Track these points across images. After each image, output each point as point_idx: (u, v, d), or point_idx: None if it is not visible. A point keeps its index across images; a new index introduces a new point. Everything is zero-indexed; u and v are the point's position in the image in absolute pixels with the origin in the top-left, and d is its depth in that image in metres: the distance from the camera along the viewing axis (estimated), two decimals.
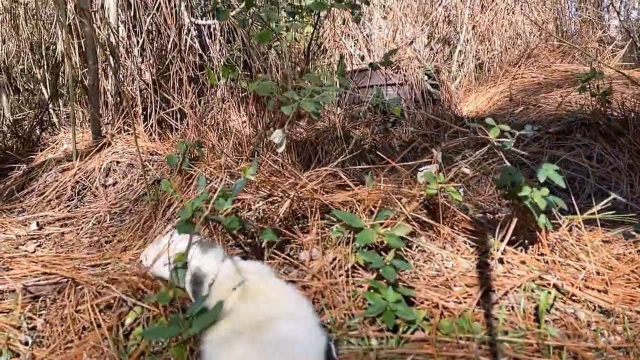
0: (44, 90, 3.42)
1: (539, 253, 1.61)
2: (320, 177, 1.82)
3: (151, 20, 2.85)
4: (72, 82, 2.45)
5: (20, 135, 3.13)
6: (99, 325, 1.30)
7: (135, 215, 2.07)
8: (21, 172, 2.52)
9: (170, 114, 2.78)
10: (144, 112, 2.81)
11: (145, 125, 2.77)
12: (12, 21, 3.91)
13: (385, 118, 2.94)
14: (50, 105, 3.27)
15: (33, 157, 2.76)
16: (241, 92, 2.74)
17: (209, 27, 3.02)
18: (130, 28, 2.87)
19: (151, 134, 2.73)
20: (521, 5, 4.69)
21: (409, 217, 1.63)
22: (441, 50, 4.66)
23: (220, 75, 2.16)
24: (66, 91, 3.37)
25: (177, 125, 2.85)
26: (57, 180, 2.38)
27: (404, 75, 3.08)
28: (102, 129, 2.79)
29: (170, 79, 2.87)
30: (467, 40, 4.80)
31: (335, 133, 2.61)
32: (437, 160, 1.73)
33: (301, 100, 1.58)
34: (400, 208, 1.63)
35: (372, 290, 1.42)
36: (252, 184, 1.78)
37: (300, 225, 1.78)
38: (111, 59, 2.88)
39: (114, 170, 2.46)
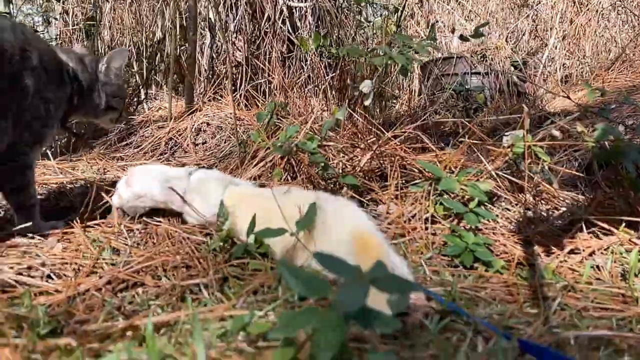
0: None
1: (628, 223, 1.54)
2: (403, 136, 1.84)
3: (247, 1, 3.01)
4: (173, 51, 2.65)
5: None
6: (188, 238, 1.40)
7: (222, 168, 2.19)
8: (120, 128, 2.74)
9: (257, 87, 2.92)
10: (234, 85, 2.97)
11: (234, 96, 2.91)
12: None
13: (468, 105, 2.92)
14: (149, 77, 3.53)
15: (132, 118, 2.99)
16: (327, 65, 2.82)
17: (301, 9, 3.14)
18: (228, 7, 3.05)
19: (239, 104, 2.88)
20: (617, 10, 4.49)
21: (493, 174, 1.62)
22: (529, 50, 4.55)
23: (312, 42, 2.26)
24: (165, 64, 3.61)
25: (262, 100, 2.98)
26: (153, 136, 2.56)
27: (490, 65, 3.05)
28: (194, 98, 2.98)
29: (260, 55, 3.02)
30: (555, 46, 4.66)
31: (415, 117, 2.63)
32: (525, 125, 1.71)
33: (392, 53, 1.62)
34: (485, 166, 1.63)
35: (451, 233, 1.43)
36: (337, 136, 1.83)
37: (379, 184, 1.81)
38: (208, 34, 3.08)
39: (204, 130, 2.61)
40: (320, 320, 0.58)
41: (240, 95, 2.91)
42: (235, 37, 2.99)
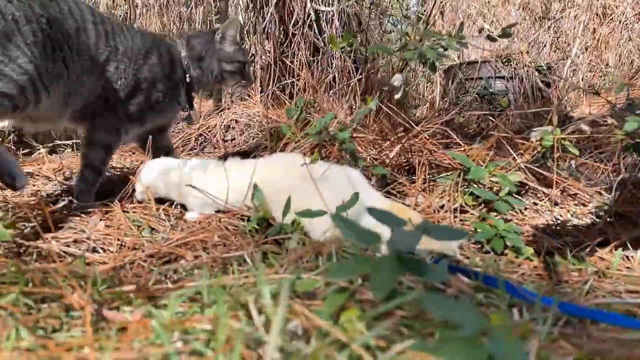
0: None
1: None
2: (431, 130, 1.88)
3: (276, 4, 3.08)
4: None
5: None
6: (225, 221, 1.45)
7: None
8: None
9: (284, 88, 2.99)
10: (261, 85, 3.04)
11: (262, 95, 2.99)
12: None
13: (492, 108, 2.95)
14: None
15: None
16: (353, 68, 2.88)
17: (327, 13, 3.21)
18: (257, 10, 3.13)
19: (265, 104, 2.94)
20: None
21: (522, 167, 1.65)
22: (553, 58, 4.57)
23: (341, 40, 2.32)
24: None
25: (288, 100, 3.04)
26: (183, 132, 2.64)
27: (514, 69, 3.08)
28: (222, 98, 3.06)
29: (287, 57, 3.08)
30: (578, 56, 4.66)
31: (440, 118, 2.66)
32: (553, 120, 1.74)
33: (423, 48, 1.67)
34: (513, 158, 1.66)
35: (481, 221, 1.45)
36: (366, 130, 1.88)
37: (406, 177, 1.85)
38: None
39: (232, 127, 2.68)
40: (373, 265, 0.62)
41: (268, 95, 2.97)
42: (264, 39, 3.07)
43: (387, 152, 1.82)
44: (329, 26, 3.18)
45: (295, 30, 3.04)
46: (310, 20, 3.14)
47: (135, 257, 1.19)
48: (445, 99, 3.00)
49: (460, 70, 3.17)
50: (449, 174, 1.76)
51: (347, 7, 3.18)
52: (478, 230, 1.40)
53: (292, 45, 3.12)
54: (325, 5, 3.16)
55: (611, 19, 4.72)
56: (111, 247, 1.30)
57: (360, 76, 2.70)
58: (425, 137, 1.80)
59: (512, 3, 5.08)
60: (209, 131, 2.65)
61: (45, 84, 1.41)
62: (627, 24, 4.56)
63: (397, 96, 1.77)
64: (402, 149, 1.78)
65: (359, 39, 3.05)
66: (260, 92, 2.99)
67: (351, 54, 2.71)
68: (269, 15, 3.07)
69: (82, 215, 1.50)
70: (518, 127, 2.86)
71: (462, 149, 1.86)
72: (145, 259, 1.19)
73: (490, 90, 2.99)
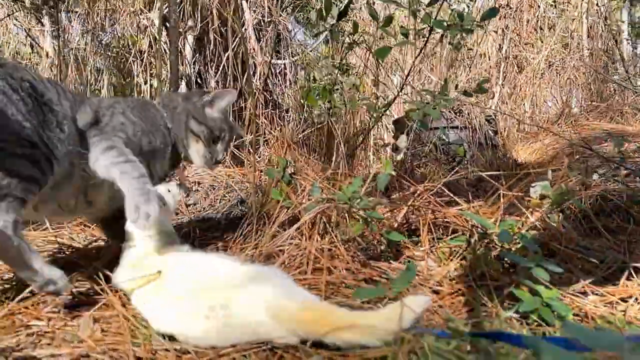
0: None
1: None
2: (429, 191, 1.82)
3: (226, 58, 2.96)
4: None
5: None
6: None
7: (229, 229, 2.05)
8: None
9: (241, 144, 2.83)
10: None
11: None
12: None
13: (450, 158, 3.00)
14: None
15: None
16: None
17: (278, 65, 3.14)
18: (206, 64, 2.98)
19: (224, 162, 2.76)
20: (557, 70, 4.92)
21: (537, 225, 1.63)
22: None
23: (320, 97, 2.23)
24: None
25: (242, 156, 2.88)
26: None
27: (467, 119, 3.18)
28: None
29: (242, 111, 2.95)
30: (499, 103, 4.97)
31: (404, 167, 2.64)
32: (549, 178, 1.76)
33: (426, 107, 1.63)
34: (526, 216, 1.63)
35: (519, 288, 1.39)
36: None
37: (410, 240, 1.77)
38: (185, 88, 2.97)
39: (195, 190, 2.46)
40: None
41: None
42: None
43: (395, 214, 1.72)
44: (281, 79, 3.10)
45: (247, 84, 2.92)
46: (263, 74, 3.05)
47: None
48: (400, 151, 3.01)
49: (413, 121, 3.20)
50: (456, 235, 1.71)
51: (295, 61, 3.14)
52: (521, 298, 1.33)
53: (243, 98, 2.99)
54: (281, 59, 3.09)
55: (525, 70, 5.11)
56: None
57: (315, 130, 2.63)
58: (429, 196, 1.74)
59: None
60: None
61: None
62: (542, 74, 4.97)
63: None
64: (408, 210, 1.70)
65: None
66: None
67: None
68: (221, 68, 2.93)
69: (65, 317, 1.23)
70: (477, 176, 2.91)
71: (462, 207, 1.82)
72: None
73: (447, 140, 3.06)
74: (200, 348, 1.06)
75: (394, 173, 1.49)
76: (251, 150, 2.04)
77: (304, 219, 1.62)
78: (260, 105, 2.87)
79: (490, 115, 3.32)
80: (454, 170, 2.18)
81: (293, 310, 1.04)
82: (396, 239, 1.55)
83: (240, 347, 1.05)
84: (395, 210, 1.73)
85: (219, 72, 2.92)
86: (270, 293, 1.08)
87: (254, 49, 2.96)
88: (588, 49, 5.01)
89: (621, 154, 1.89)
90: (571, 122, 4.31)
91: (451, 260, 1.65)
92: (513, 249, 1.56)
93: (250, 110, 2.63)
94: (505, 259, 1.56)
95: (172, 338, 1.11)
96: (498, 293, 1.42)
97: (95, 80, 4.60)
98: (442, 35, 1.92)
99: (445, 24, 1.81)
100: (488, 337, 0.95)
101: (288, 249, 1.66)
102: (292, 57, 2.98)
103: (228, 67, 2.92)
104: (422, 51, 1.99)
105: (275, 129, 2.82)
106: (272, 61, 2.99)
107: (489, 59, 5.25)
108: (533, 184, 1.78)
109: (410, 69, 2.32)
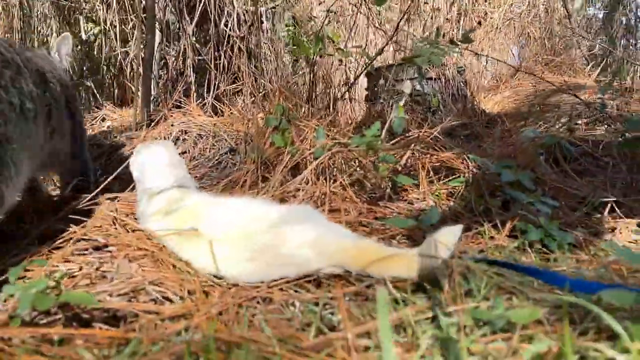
0: None
1: None
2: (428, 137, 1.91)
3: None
4: (140, 53, 2.42)
5: None
6: None
7: (221, 176, 2.06)
8: None
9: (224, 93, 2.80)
10: (197, 91, 2.80)
11: (198, 102, 2.76)
12: None
13: (425, 108, 3.10)
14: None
15: None
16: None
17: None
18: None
19: (206, 111, 2.73)
20: (513, 23, 5.09)
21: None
22: None
23: (314, 46, 2.22)
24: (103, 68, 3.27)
25: (221, 107, 2.85)
26: (127, 146, 2.32)
27: (440, 70, 3.27)
28: (151, 105, 2.75)
29: (221, 59, 2.89)
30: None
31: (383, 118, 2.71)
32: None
33: (433, 54, 1.69)
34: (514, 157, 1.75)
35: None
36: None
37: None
38: (158, 34, 2.86)
39: (183, 139, 2.43)
40: None
41: (206, 103, 2.75)
42: (195, 40, 2.83)
43: (398, 159, 1.80)
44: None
45: (229, 32, 2.86)
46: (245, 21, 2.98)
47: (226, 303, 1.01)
48: (377, 101, 3.08)
49: (388, 72, 3.26)
50: (454, 177, 1.81)
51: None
52: (526, 230, 1.45)
53: (224, 48, 2.93)
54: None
55: (487, 22, 5.23)
56: (174, 294, 1.09)
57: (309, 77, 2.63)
58: (430, 141, 1.82)
59: None
60: None
61: None
62: (500, 28, 5.12)
63: (401, 103, 1.76)
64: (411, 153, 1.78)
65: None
66: (199, 99, 2.76)
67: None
68: (198, 14, 2.84)
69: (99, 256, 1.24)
70: (450, 124, 3.04)
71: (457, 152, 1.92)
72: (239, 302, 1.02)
73: (421, 91, 3.14)
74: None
75: (406, 117, 1.55)
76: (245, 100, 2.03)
77: (315, 163, 1.66)
78: (240, 54, 2.83)
79: (462, 67, 3.43)
80: (448, 119, 2.28)
81: (341, 245, 1.10)
82: (405, 182, 1.63)
83: (288, 278, 1.11)
84: (397, 155, 1.81)
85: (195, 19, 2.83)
86: (313, 230, 1.14)
87: None
88: (543, 5, 5.20)
89: (602, 101, 2.04)
90: (527, 75, 4.52)
91: (449, 200, 1.77)
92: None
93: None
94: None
95: (217, 276, 1.15)
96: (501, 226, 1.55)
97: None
98: None
99: None
100: (520, 270, 1.04)
101: (300, 193, 1.71)
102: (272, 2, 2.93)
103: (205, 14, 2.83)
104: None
105: (256, 78, 2.80)
106: (251, 8, 2.92)
107: (447, 13, 5.34)
108: (522, 130, 1.91)
109: (400, 19, 2.36)
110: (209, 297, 1.07)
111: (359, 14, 2.82)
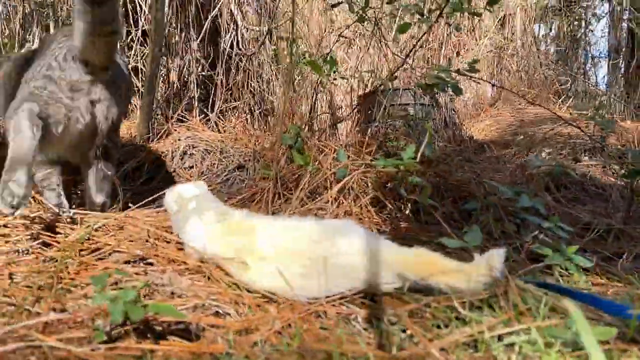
0: None
1: None
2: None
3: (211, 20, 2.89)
4: (151, 64, 2.41)
5: None
6: None
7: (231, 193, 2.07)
8: None
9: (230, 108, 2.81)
10: (200, 105, 2.81)
11: (201, 118, 2.76)
12: None
13: (418, 134, 3.19)
14: None
15: None
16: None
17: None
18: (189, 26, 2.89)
19: (212, 127, 2.73)
20: (498, 54, 5.32)
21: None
22: None
23: (328, 68, 2.28)
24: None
25: (224, 123, 2.86)
26: (134, 159, 2.29)
27: (432, 97, 3.38)
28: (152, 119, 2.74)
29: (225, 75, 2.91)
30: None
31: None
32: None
33: (449, 80, 1.77)
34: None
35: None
36: None
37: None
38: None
39: (190, 154, 2.42)
40: None
41: (210, 118, 2.76)
42: (200, 55, 2.84)
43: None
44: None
45: (235, 49, 2.88)
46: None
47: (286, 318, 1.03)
48: (369, 125, 3.17)
49: (382, 96, 3.36)
50: (466, 200, 1.88)
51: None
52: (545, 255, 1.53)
53: (224, 65, 2.95)
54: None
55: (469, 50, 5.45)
56: (231, 309, 1.09)
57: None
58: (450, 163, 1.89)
59: None
60: (162, 159, 2.35)
61: None
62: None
63: (429, 124, 1.82)
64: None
65: None
66: (201, 114, 2.76)
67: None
68: (204, 30, 2.86)
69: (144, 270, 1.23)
70: (443, 149, 3.15)
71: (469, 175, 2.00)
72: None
73: (415, 116, 3.24)
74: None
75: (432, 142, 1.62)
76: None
77: (342, 183, 1.70)
78: (244, 72, 2.86)
79: (452, 95, 3.56)
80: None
81: (401, 253, 1.14)
82: (426, 202, 1.68)
83: (342, 295, 1.13)
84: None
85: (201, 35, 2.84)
86: (366, 240, 1.17)
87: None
88: (520, 40, 5.47)
89: (602, 135, 2.17)
90: (506, 105, 4.74)
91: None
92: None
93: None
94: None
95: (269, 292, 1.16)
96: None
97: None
98: (439, 15, 2.05)
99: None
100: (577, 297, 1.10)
101: (322, 212, 1.74)
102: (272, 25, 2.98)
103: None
104: (430, 30, 2.12)
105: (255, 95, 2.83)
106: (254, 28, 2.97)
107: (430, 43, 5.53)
108: (526, 159, 2.01)
109: (416, 43, 2.45)
110: (266, 312, 1.08)
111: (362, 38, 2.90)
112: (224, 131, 2.69)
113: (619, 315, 0.96)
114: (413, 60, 3.54)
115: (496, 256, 1.15)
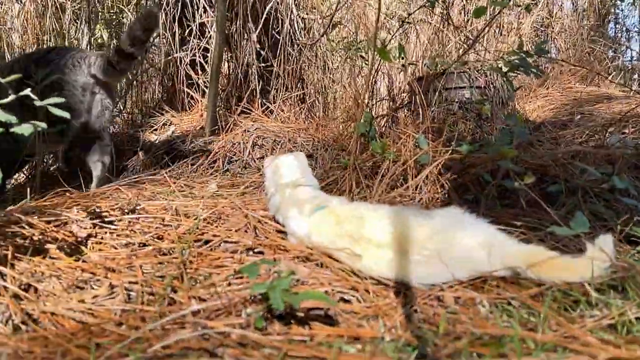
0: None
1: None
2: None
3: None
4: (216, 59, 2.45)
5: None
6: None
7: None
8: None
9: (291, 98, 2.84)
10: (261, 94, 2.85)
11: (264, 109, 2.80)
12: None
13: (476, 116, 3.17)
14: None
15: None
16: None
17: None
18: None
19: (276, 116, 2.77)
20: (541, 31, 5.20)
21: None
22: None
23: (398, 53, 2.29)
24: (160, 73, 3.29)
25: (286, 113, 2.90)
26: (206, 151, 2.35)
27: (489, 79, 3.34)
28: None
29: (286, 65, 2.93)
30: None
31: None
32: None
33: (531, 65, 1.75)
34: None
35: None
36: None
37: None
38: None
39: (261, 145, 2.46)
40: None
41: (272, 110, 2.79)
42: (260, 47, 2.87)
43: None
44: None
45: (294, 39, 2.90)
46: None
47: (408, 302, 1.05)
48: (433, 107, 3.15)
49: (436, 80, 3.33)
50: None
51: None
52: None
53: (283, 55, 2.98)
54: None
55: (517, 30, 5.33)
56: (350, 296, 1.12)
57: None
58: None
59: None
60: (232, 150, 2.40)
61: None
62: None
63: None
64: None
65: None
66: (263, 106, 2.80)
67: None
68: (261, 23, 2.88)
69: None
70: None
71: None
72: None
73: (471, 99, 3.21)
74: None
75: (525, 127, 1.61)
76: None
77: (428, 169, 1.71)
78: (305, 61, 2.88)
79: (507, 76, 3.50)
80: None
81: (515, 248, 1.16)
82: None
83: (459, 280, 1.16)
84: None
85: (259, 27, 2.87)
86: (482, 233, 1.19)
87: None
88: (569, 17, 5.34)
89: None
90: (555, 85, 4.64)
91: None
92: None
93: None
94: None
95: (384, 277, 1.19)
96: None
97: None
98: None
99: None
100: None
101: (406, 200, 1.76)
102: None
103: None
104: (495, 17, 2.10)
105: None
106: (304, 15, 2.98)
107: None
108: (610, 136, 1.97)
109: (484, 28, 2.43)
110: (387, 298, 1.11)
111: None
112: (288, 121, 2.73)
113: None
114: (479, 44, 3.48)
115: (606, 242, 1.15)
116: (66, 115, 1.14)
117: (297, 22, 2.97)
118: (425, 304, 1.08)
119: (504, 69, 2.00)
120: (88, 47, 4.26)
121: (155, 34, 3.00)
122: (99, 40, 4.82)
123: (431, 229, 1.22)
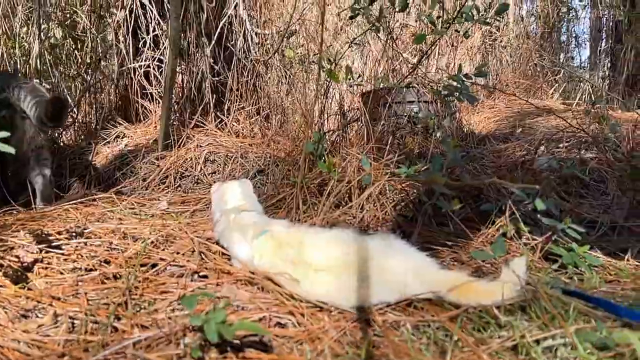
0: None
1: None
2: None
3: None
4: (169, 72, 2.48)
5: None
6: None
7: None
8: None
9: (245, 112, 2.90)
10: (215, 109, 2.89)
11: (217, 123, 2.85)
12: None
13: (421, 130, 3.32)
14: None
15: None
16: None
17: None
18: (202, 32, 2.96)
19: (229, 131, 2.82)
20: (489, 45, 5.44)
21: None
22: None
23: (344, 75, 2.38)
24: (106, 86, 3.28)
25: (239, 128, 2.95)
26: (157, 166, 2.38)
27: (434, 93, 3.49)
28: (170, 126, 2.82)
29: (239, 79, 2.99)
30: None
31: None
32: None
33: (467, 92, 1.88)
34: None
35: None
36: None
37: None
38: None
39: (212, 160, 2.51)
40: None
41: (226, 123, 2.84)
42: (213, 62, 2.92)
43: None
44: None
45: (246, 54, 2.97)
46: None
47: (342, 326, 1.15)
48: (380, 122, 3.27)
49: (386, 95, 3.46)
50: (480, 202, 2.01)
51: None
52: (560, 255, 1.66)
53: (236, 69, 3.03)
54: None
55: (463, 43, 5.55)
56: (289, 318, 1.21)
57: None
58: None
59: None
60: (184, 165, 2.44)
61: None
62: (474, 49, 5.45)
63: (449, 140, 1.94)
64: None
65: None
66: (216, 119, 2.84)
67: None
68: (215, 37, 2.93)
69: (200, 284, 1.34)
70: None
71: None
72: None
73: (418, 114, 3.36)
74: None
75: (457, 152, 1.74)
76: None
77: (369, 190, 1.82)
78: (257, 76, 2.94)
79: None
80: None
81: (439, 275, 1.27)
82: (445, 207, 1.81)
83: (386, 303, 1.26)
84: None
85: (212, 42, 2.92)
86: (412, 259, 1.30)
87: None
88: (513, 32, 5.60)
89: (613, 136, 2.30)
90: (500, 97, 4.87)
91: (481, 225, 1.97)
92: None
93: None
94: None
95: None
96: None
97: None
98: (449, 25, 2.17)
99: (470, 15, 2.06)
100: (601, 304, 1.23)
101: (350, 219, 1.86)
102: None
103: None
104: (439, 39, 2.23)
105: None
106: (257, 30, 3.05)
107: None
108: (538, 158, 2.14)
109: (428, 50, 2.56)
110: (321, 321, 1.20)
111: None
112: (241, 135, 2.79)
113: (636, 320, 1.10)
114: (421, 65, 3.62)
115: (519, 264, 1.28)
116: (11, 150, 1.16)
117: (252, 37, 3.03)
118: (356, 327, 1.18)
119: (443, 93, 2.12)
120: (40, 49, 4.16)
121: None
122: (52, 40, 4.72)
123: (366, 254, 1.32)
